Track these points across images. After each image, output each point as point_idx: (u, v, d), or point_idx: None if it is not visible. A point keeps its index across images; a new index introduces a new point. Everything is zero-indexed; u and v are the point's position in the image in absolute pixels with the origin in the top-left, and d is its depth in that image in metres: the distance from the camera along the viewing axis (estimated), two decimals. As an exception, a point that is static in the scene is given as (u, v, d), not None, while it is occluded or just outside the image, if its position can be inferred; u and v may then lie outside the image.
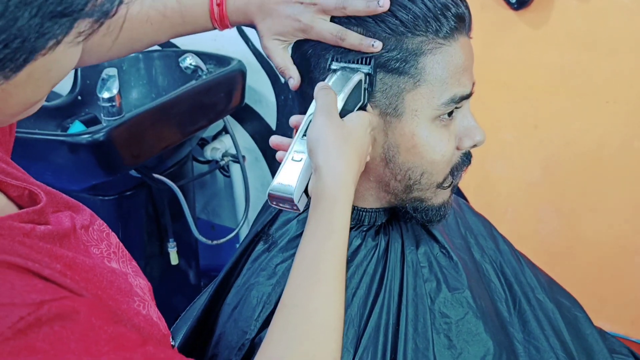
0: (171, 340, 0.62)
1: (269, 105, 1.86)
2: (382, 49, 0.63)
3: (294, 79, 0.69)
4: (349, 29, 0.64)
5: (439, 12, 0.63)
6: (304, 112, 0.65)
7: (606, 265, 1.48)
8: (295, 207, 0.61)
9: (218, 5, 0.71)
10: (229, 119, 1.85)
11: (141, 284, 0.63)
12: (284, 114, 1.84)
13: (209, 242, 1.71)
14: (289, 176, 0.61)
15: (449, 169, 0.70)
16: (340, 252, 0.58)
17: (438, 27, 0.63)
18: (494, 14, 1.37)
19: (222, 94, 1.65)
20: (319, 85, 0.64)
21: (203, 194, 2.14)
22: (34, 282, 0.47)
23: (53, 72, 0.46)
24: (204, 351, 0.72)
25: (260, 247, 0.73)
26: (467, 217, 0.86)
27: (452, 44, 0.65)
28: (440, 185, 0.70)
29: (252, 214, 1.97)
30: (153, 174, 1.54)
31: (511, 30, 1.37)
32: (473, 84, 0.68)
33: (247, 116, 1.92)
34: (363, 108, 0.66)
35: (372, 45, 0.64)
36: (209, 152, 1.89)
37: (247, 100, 1.80)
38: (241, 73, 1.67)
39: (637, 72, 1.28)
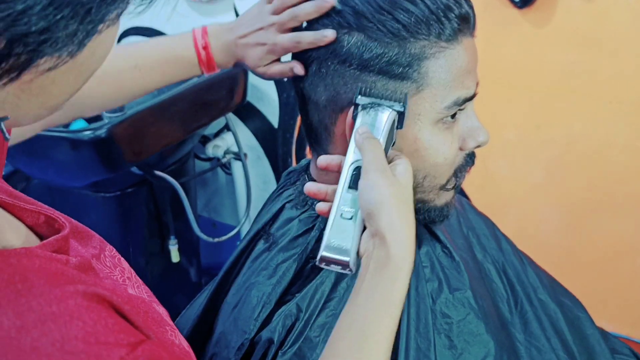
0: None
1: (271, 103, 1.86)
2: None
3: (298, 67, 0.69)
4: (352, 34, 0.63)
5: (441, 15, 0.61)
6: (301, 111, 0.66)
7: (608, 266, 1.48)
8: (348, 269, 0.57)
9: (204, 48, 0.75)
10: (231, 116, 1.85)
11: (161, 311, 0.59)
12: (286, 112, 1.84)
13: (211, 239, 1.71)
14: (342, 237, 0.57)
15: (452, 170, 0.69)
16: (394, 326, 0.54)
17: (440, 30, 0.62)
18: (498, 12, 1.36)
19: (224, 91, 1.65)
20: (360, 131, 0.60)
21: (204, 192, 2.14)
22: (119, 319, 0.46)
23: (96, 55, 0.45)
24: (203, 350, 0.72)
25: (260, 246, 0.73)
26: (469, 217, 0.86)
27: (456, 46, 0.63)
28: (443, 187, 0.69)
29: (254, 212, 1.97)
30: (154, 171, 1.54)
31: (514, 29, 1.37)
32: (477, 84, 0.67)
33: (249, 114, 1.92)
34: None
35: (325, 36, 0.64)
36: (211, 150, 1.89)
37: (249, 98, 1.80)
38: (243, 70, 1.67)
39: (641, 72, 1.28)
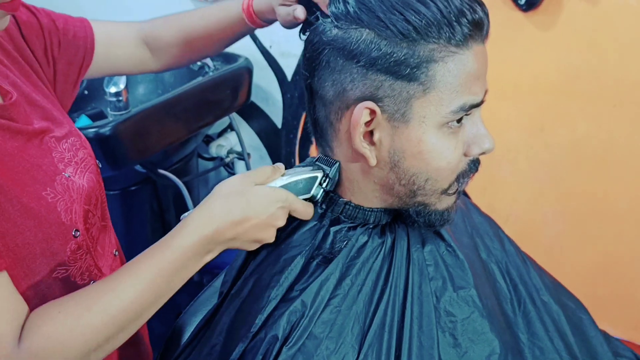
0: (74, 232, 0.71)
1: (275, 104, 1.86)
2: (390, 52, 0.62)
3: (299, 9, 0.75)
4: (362, 31, 0.63)
5: (453, 19, 0.61)
6: (308, 105, 0.70)
7: (611, 269, 1.47)
8: None
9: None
10: (234, 116, 1.86)
11: (84, 189, 0.74)
12: (289, 112, 1.85)
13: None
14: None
15: (454, 175, 0.69)
16: (163, 259, 0.65)
17: (451, 35, 0.61)
18: (503, 15, 1.36)
19: (228, 91, 1.66)
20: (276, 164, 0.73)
21: (207, 191, 2.13)
22: None
23: None
24: (208, 341, 0.72)
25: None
26: (473, 217, 0.86)
27: (465, 52, 0.63)
28: (445, 192, 0.69)
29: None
30: (158, 169, 1.55)
31: (519, 32, 1.37)
32: (485, 91, 0.67)
33: (253, 114, 1.92)
34: (312, 200, 0.73)
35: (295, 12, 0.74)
36: (214, 149, 1.89)
37: (253, 98, 1.80)
38: (248, 70, 1.67)
39: (645, 76, 1.28)
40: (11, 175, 0.64)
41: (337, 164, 0.71)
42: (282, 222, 0.70)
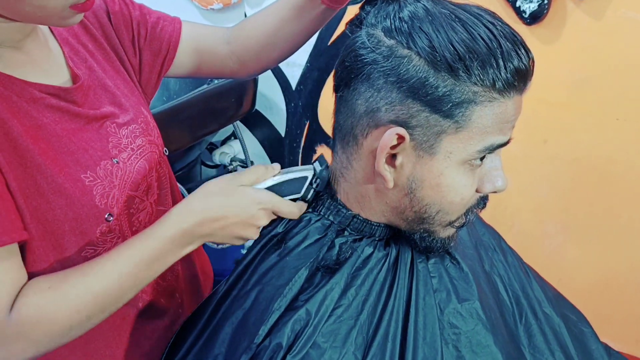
0: (108, 216, 0.75)
1: (279, 113, 1.87)
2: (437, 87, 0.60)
3: None
4: (412, 55, 0.61)
5: (500, 57, 0.59)
6: (335, 111, 0.70)
7: (613, 282, 1.47)
8: None
9: None
10: (238, 124, 1.87)
11: (131, 176, 0.78)
12: (293, 121, 1.85)
13: (214, 245, 1.70)
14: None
15: (464, 210, 0.69)
16: (144, 248, 0.70)
17: (495, 77, 0.60)
18: (507, 28, 1.37)
19: (232, 99, 1.66)
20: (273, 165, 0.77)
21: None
22: None
23: None
24: (209, 351, 0.72)
25: (273, 251, 0.73)
26: (477, 228, 0.86)
27: (507, 101, 0.62)
28: (451, 224, 0.70)
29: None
30: (162, 176, 1.55)
31: (523, 45, 1.38)
32: (512, 127, 0.66)
33: (256, 122, 1.93)
34: (304, 200, 0.75)
35: None
36: (218, 157, 1.90)
37: (257, 107, 1.81)
38: (252, 79, 1.68)
39: (648, 90, 1.28)
40: (54, 156, 0.69)
41: (326, 164, 0.73)
42: (264, 222, 0.74)
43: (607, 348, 0.88)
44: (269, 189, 0.74)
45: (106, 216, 0.75)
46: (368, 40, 0.64)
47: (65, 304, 0.67)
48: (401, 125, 0.62)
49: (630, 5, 1.24)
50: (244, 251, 0.95)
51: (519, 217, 1.54)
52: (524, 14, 1.33)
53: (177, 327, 0.89)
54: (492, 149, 0.64)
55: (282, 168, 0.78)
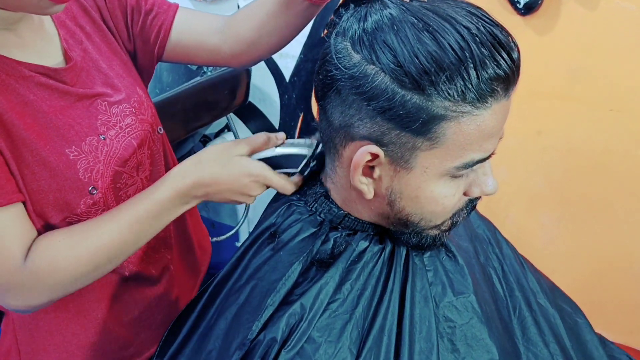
0: (92, 189, 0.79)
1: (272, 105, 1.86)
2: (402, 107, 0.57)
3: None
4: (378, 73, 0.57)
5: (471, 67, 0.54)
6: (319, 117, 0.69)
7: (607, 273, 1.48)
8: None
9: None
10: (232, 116, 1.86)
11: (117, 152, 0.81)
12: (287, 113, 1.84)
13: (209, 239, 1.70)
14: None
15: (450, 215, 0.67)
16: (141, 208, 0.76)
17: (464, 89, 0.56)
18: (501, 19, 1.35)
19: (226, 91, 1.65)
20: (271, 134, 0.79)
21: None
22: None
23: None
24: (203, 346, 0.72)
25: (266, 246, 0.73)
26: (472, 220, 0.86)
27: (483, 112, 0.57)
28: (437, 227, 0.68)
29: (252, 213, 1.97)
30: (155, 169, 1.54)
31: (517, 36, 1.36)
32: (500, 139, 0.63)
33: (250, 114, 1.92)
34: (301, 173, 0.76)
35: None
36: (211, 149, 1.88)
37: (251, 99, 1.80)
38: (246, 71, 1.67)
39: (642, 81, 1.28)
40: (39, 131, 0.73)
41: (319, 144, 0.74)
42: (256, 192, 0.77)
43: (601, 339, 0.88)
44: (266, 160, 0.76)
45: (90, 189, 0.78)
46: (336, 54, 0.61)
47: (76, 255, 0.73)
48: (375, 141, 0.60)
49: (625, -4, 1.24)
50: (238, 244, 0.95)
51: (514, 208, 1.54)
52: (518, 5, 1.33)
53: (170, 297, 0.97)
54: (472, 164, 0.61)
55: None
